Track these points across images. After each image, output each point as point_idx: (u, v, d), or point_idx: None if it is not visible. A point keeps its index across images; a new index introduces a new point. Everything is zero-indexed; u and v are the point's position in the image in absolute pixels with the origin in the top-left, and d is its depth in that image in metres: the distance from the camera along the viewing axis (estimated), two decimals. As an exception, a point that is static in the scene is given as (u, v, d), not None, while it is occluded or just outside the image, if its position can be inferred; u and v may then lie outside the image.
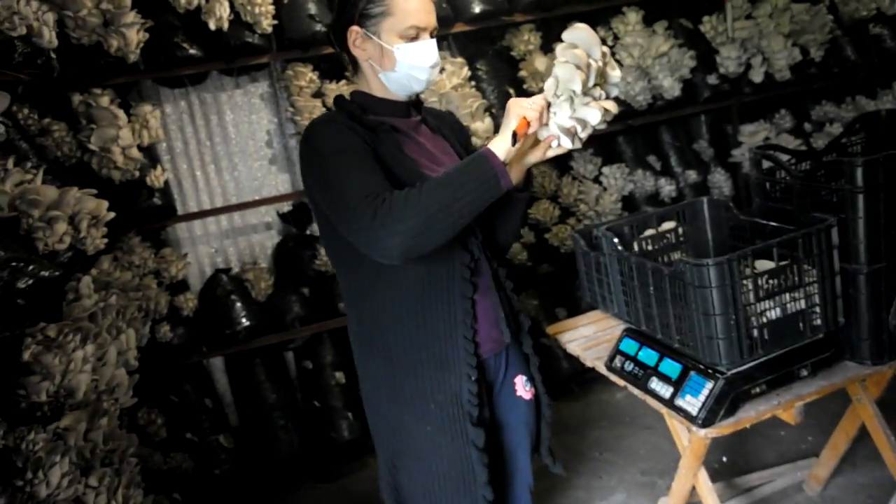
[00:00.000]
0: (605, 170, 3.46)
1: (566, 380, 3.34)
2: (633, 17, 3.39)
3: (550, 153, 1.39)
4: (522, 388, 1.61)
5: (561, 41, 1.34)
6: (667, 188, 3.50)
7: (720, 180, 3.55)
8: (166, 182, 2.90)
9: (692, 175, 3.56)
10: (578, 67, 1.29)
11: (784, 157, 1.80)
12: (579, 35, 1.32)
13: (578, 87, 1.30)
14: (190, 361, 2.97)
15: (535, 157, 1.42)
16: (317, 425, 3.11)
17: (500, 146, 1.30)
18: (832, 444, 2.39)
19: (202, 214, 3.09)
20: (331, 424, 3.07)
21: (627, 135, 3.59)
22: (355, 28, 1.43)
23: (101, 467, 1.71)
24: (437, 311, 1.42)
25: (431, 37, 1.44)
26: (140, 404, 2.73)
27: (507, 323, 1.54)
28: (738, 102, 3.59)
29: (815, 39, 3.55)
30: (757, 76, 3.48)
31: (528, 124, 1.30)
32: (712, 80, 3.46)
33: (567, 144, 1.35)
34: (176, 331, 2.88)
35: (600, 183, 3.45)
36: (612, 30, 3.42)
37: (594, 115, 1.32)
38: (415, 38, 1.42)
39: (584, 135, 1.35)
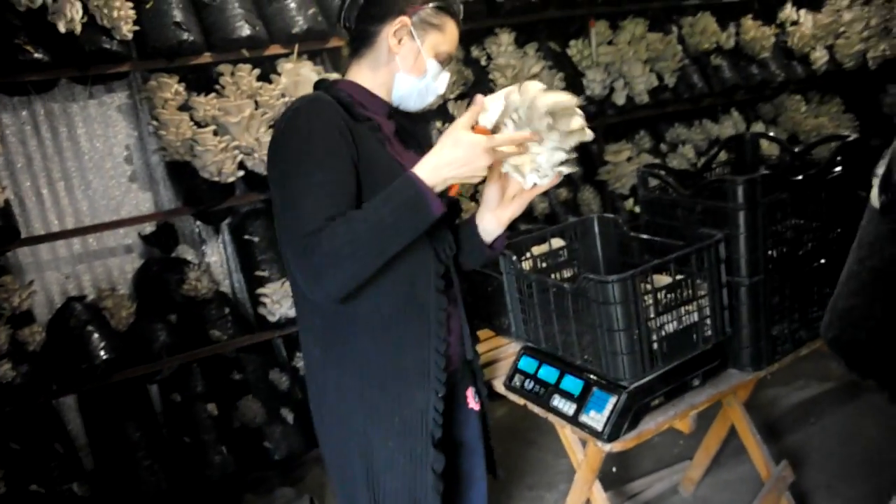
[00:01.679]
0: (481, 187, 3.49)
1: (449, 398, 3.32)
2: (505, 38, 3.47)
3: (538, 191, 1.41)
4: (473, 400, 1.59)
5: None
6: (540, 206, 3.60)
7: (589, 198, 3.71)
8: (6, 201, 2.56)
9: (563, 192, 3.69)
10: (574, 114, 1.28)
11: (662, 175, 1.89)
12: (554, 98, 1.27)
13: (579, 123, 1.28)
14: (36, 402, 2.64)
15: (521, 205, 1.45)
16: (187, 463, 2.87)
17: (429, 173, 1.23)
18: (704, 446, 2.54)
19: (50, 237, 2.76)
20: (203, 461, 2.84)
21: (501, 153, 3.66)
22: (407, 20, 1.37)
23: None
24: (413, 322, 1.37)
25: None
26: (-25, 456, 2.39)
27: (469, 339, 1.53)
28: (604, 124, 3.77)
29: (668, 66, 3.82)
30: (619, 99, 3.67)
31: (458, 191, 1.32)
32: (580, 101, 3.61)
33: (568, 168, 1.35)
34: (19, 369, 2.54)
35: (477, 202, 3.48)
36: (486, 50, 3.49)
37: (589, 134, 1.30)
38: (441, 64, 1.44)
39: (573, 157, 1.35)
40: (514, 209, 1.45)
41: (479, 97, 1.30)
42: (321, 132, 1.27)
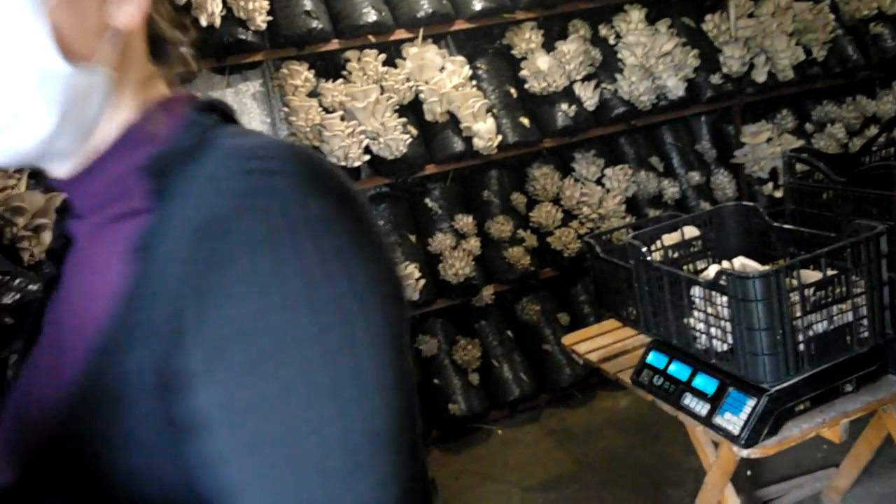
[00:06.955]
0: (608, 171, 3.37)
1: (569, 387, 3.25)
2: (635, 15, 3.30)
3: None
4: None
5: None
6: (670, 190, 3.43)
7: (723, 182, 3.49)
8: (154, 186, 2.75)
9: (695, 176, 3.49)
10: None
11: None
12: None
13: None
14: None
15: None
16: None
17: None
18: (854, 454, 2.33)
19: (192, 219, 2.94)
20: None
21: (629, 136, 3.51)
22: None
23: None
24: None
25: None
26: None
27: None
28: (741, 102, 3.52)
29: (817, 38, 3.50)
30: (760, 76, 3.41)
31: None
32: (715, 79, 3.38)
33: None
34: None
35: (603, 185, 3.36)
36: (615, 28, 3.34)
37: None
38: None
39: None
40: None
41: None
42: None
